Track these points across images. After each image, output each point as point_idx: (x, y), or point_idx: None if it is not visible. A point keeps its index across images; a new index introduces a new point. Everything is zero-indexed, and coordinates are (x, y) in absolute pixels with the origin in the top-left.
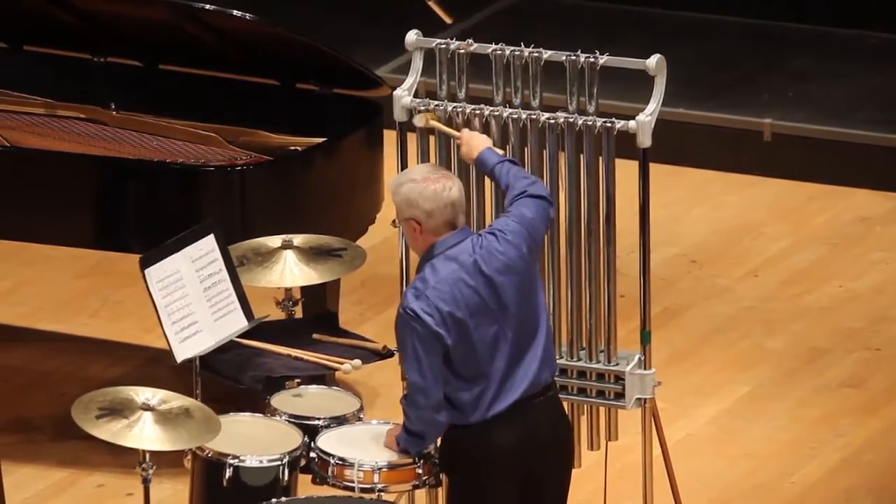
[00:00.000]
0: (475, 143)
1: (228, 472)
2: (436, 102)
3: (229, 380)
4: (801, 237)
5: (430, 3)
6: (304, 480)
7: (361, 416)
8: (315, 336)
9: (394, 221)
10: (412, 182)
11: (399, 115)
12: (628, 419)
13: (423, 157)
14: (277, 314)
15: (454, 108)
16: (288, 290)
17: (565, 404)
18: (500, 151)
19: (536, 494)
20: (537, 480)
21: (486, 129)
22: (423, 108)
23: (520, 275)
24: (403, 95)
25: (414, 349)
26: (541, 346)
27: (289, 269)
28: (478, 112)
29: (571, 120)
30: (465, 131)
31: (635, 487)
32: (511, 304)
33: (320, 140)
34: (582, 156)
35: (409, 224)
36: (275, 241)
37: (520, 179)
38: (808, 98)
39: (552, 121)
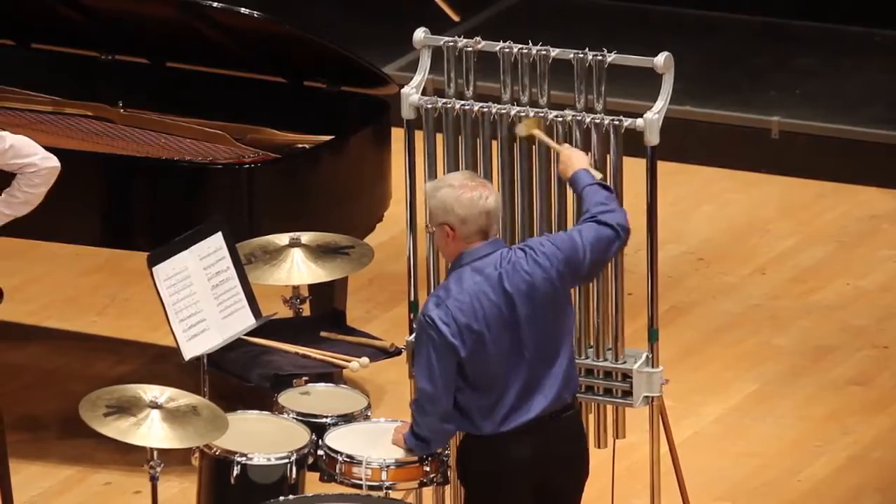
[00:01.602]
0: (573, 161)
1: (236, 470)
2: (443, 100)
3: (237, 377)
4: (809, 235)
5: (438, 1)
6: (311, 478)
7: (369, 413)
8: (323, 334)
9: (427, 227)
10: (450, 187)
11: (407, 113)
12: (636, 417)
13: (431, 156)
14: (285, 312)
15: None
16: (295, 287)
17: None
18: (598, 175)
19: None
20: (551, 492)
21: (493, 126)
22: (523, 115)
23: (542, 296)
24: (411, 93)
25: (428, 356)
26: (562, 369)
27: (296, 267)
28: (485, 110)
29: (579, 118)
30: (566, 147)
31: (643, 485)
32: (528, 324)
33: (328, 138)
34: (590, 153)
35: (443, 229)
36: (282, 238)
37: (599, 205)
38: (816, 96)
39: (560, 118)
